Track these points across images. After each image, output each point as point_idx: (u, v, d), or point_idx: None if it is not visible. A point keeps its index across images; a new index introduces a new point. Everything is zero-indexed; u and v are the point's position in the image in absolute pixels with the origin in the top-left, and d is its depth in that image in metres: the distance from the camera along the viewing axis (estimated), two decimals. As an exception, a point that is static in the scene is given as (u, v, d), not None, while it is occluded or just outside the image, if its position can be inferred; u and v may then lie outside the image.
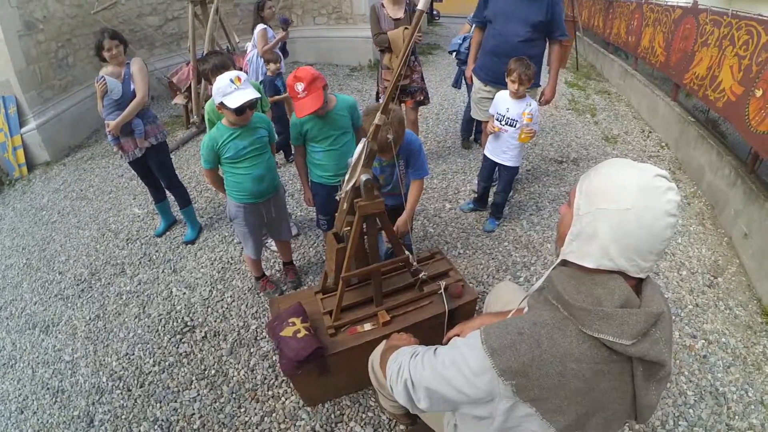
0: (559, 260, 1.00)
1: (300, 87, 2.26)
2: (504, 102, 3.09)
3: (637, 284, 0.94)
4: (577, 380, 0.89)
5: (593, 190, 0.92)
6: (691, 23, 4.74)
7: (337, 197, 1.88)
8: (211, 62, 2.75)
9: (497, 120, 3.12)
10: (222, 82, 2.18)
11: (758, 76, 3.29)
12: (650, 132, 5.34)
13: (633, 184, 0.87)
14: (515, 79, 2.93)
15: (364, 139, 1.64)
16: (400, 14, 3.62)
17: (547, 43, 3.32)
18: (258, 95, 2.26)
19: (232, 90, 2.16)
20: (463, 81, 4.54)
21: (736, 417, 2.10)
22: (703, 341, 2.48)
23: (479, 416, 1.03)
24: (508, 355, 0.91)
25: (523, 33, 3.15)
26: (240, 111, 2.20)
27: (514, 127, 3.05)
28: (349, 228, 1.82)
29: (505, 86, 3.14)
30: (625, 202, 0.86)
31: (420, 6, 1.44)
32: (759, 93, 3.23)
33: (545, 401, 0.90)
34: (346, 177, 1.64)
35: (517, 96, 3.02)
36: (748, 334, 2.54)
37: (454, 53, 4.51)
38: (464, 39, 4.27)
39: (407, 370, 1.16)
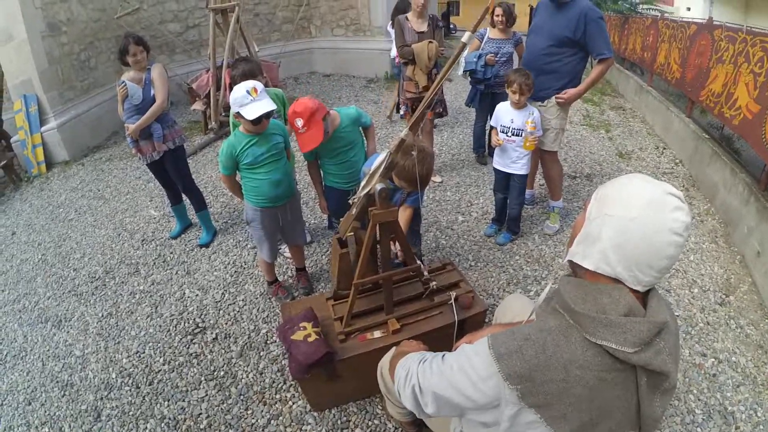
0: (565, 260, 1.03)
1: (300, 123, 2.31)
2: (507, 114, 3.13)
3: (644, 296, 0.96)
4: (581, 387, 0.90)
5: (606, 197, 0.95)
6: (706, 39, 4.73)
7: (350, 201, 1.92)
8: (240, 68, 2.79)
9: (502, 132, 3.16)
10: (239, 92, 2.21)
11: (774, 94, 3.28)
12: (664, 148, 5.32)
13: (643, 195, 0.89)
14: (516, 89, 2.97)
15: (386, 151, 1.68)
16: (424, 27, 3.72)
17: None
18: (274, 106, 2.30)
19: (248, 101, 2.21)
20: (477, 99, 4.52)
21: (745, 438, 2.07)
22: (713, 360, 2.46)
23: (485, 423, 1.05)
24: (514, 359, 0.93)
25: (545, 45, 3.11)
26: (256, 122, 2.25)
27: (521, 136, 3.08)
28: (352, 234, 1.84)
29: (534, 100, 3.19)
30: (632, 211, 0.88)
31: (464, 39, 1.52)
32: (775, 111, 3.21)
33: (550, 408, 0.92)
34: (363, 183, 1.67)
35: (519, 106, 3.06)
36: (759, 354, 2.50)
37: (468, 72, 4.35)
38: (479, 57, 4.21)
39: (415, 375, 1.18)
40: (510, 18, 4.15)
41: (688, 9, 15.90)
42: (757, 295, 2.93)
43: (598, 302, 0.92)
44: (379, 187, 1.62)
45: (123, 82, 2.98)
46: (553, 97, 3.18)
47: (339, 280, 1.99)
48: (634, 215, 0.88)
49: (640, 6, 10.14)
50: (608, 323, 0.88)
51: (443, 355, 1.17)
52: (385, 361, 1.73)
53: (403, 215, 2.45)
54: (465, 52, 4.11)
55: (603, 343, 0.88)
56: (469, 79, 4.51)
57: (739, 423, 2.13)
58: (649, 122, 6.24)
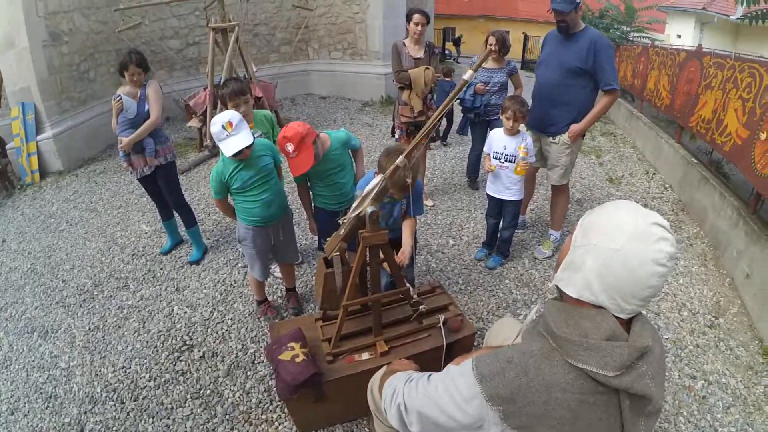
0: (552, 285, 1.04)
1: (290, 147, 2.31)
2: (500, 140, 3.16)
3: (628, 320, 0.96)
4: (563, 409, 0.90)
5: (591, 225, 0.96)
6: (695, 66, 4.85)
7: (339, 221, 1.93)
8: (230, 87, 2.82)
9: (495, 158, 3.19)
10: (215, 127, 2.21)
11: (762, 118, 3.34)
12: (654, 173, 5.39)
13: (628, 226, 0.90)
14: (510, 116, 3.02)
15: (381, 175, 1.71)
16: (420, 54, 3.79)
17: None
18: (251, 140, 2.26)
19: (224, 137, 2.21)
20: (469, 127, 4.53)
21: (735, 461, 2.06)
22: (703, 382, 2.46)
23: None
24: (497, 381, 0.95)
25: (557, 78, 3.05)
26: (235, 155, 2.25)
27: (513, 162, 3.11)
28: (338, 254, 1.84)
29: (544, 134, 3.22)
30: (616, 242, 0.89)
31: (465, 77, 1.60)
32: (764, 136, 3.27)
33: (532, 429, 0.92)
34: (354, 204, 1.68)
35: (512, 133, 3.10)
36: (749, 375, 2.51)
37: (459, 101, 4.35)
38: (468, 86, 4.12)
39: (401, 394, 1.19)
40: (504, 46, 4.09)
41: (679, 36, 16.28)
42: (746, 317, 2.95)
43: (580, 326, 0.93)
44: (370, 210, 1.63)
45: (119, 96, 3.01)
46: (565, 134, 3.14)
47: (323, 299, 1.97)
48: (619, 246, 0.89)
49: (632, 34, 10.37)
50: (589, 347, 0.89)
51: (429, 376, 1.18)
52: (375, 379, 1.73)
53: (408, 226, 2.45)
54: (470, 88, 4.15)
55: (584, 367, 0.89)
56: (460, 107, 4.53)
57: (729, 446, 2.12)
58: (639, 148, 6.34)
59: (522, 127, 3.19)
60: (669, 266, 0.89)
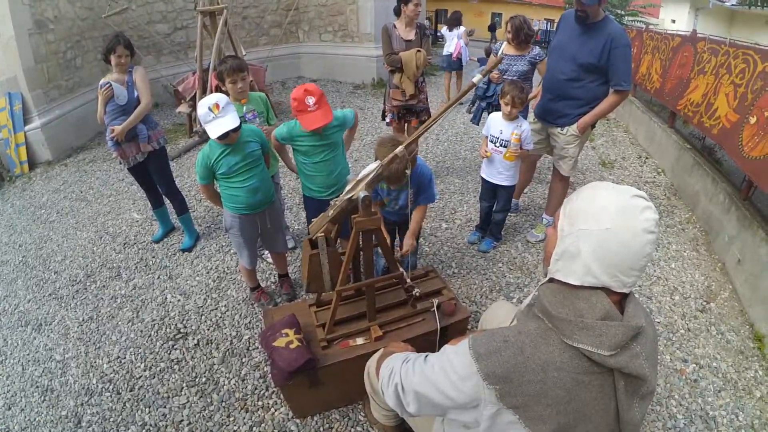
0: (546, 279, 1.05)
1: (311, 101, 2.32)
2: (497, 124, 3.15)
3: (621, 301, 0.99)
4: (558, 389, 0.92)
5: (575, 212, 0.98)
6: (689, 51, 4.84)
7: (331, 202, 1.90)
8: (228, 63, 2.76)
9: (491, 142, 3.18)
10: (202, 109, 2.19)
11: (753, 103, 3.36)
12: (647, 158, 5.41)
13: (612, 205, 0.93)
14: (508, 101, 3.00)
15: (378, 162, 1.70)
16: (412, 36, 3.72)
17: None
18: (237, 122, 2.24)
19: (211, 119, 2.19)
20: (479, 116, 4.32)
21: (726, 442, 2.10)
22: (695, 365, 2.49)
23: (466, 423, 1.07)
24: (493, 360, 0.96)
25: (568, 71, 2.95)
26: (222, 137, 2.23)
27: (507, 147, 3.10)
28: (323, 235, 1.83)
29: (552, 124, 3.20)
30: (605, 223, 0.92)
31: (474, 80, 1.63)
32: (753, 120, 3.29)
33: (528, 408, 0.94)
34: (348, 188, 1.67)
35: (510, 118, 3.08)
36: (740, 359, 2.55)
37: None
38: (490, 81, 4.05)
39: (398, 374, 1.20)
40: (518, 34, 3.71)
41: (673, 21, 16.25)
42: (737, 302, 2.99)
43: (575, 307, 0.95)
44: (362, 194, 1.62)
45: (108, 83, 2.95)
46: (575, 125, 3.08)
47: (309, 281, 1.95)
48: (609, 225, 0.91)
49: (626, 18, 10.32)
50: (584, 326, 0.91)
51: (426, 356, 1.19)
52: (372, 362, 1.75)
53: (417, 214, 2.48)
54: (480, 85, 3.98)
55: (579, 346, 0.91)
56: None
57: (721, 428, 2.16)
58: (632, 132, 6.35)
59: (530, 117, 3.12)
60: (657, 231, 0.93)
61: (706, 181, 3.95)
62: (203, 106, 2.19)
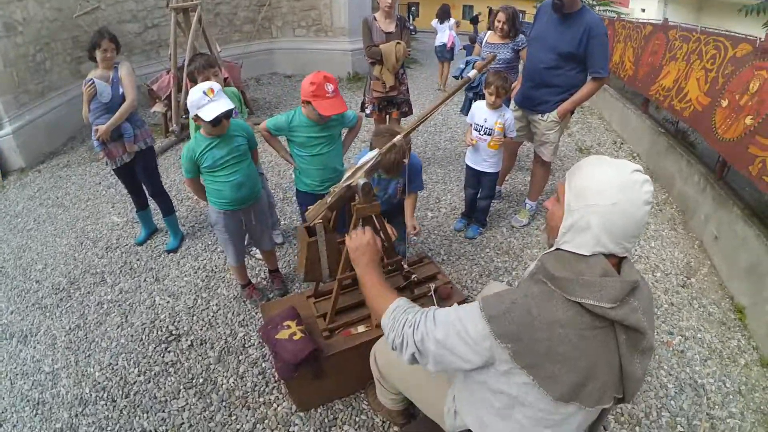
0: (553, 249, 1.11)
1: (330, 88, 2.35)
2: (481, 113, 3.20)
3: (617, 264, 1.06)
4: (565, 345, 0.98)
5: (581, 188, 1.05)
6: (661, 39, 4.99)
7: (330, 190, 1.90)
8: (197, 61, 2.73)
9: (476, 130, 3.24)
10: (195, 95, 2.17)
11: (724, 87, 3.49)
12: (622, 143, 5.56)
13: (615, 180, 1.01)
14: (492, 91, 3.05)
15: (377, 150, 1.71)
16: (392, 28, 3.73)
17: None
18: (232, 105, 2.25)
19: (206, 102, 2.17)
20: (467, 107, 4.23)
21: (716, 407, 2.21)
22: (680, 337, 2.60)
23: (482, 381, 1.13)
24: (504, 319, 1.02)
25: (547, 60, 3.03)
26: (215, 122, 2.21)
27: (491, 135, 3.16)
28: (320, 222, 1.83)
29: (532, 111, 3.26)
30: (611, 198, 1.00)
31: (470, 75, 1.75)
32: (725, 103, 3.43)
33: (539, 368, 1.00)
34: (346, 175, 1.67)
35: (494, 107, 3.14)
36: (723, 330, 2.67)
37: (457, 78, 4.27)
38: (467, 63, 4.11)
39: (412, 344, 1.16)
40: (513, 26, 3.85)
41: (643, 10, 16.66)
42: (716, 276, 3.12)
43: (575, 268, 1.03)
44: (362, 181, 1.62)
45: (91, 80, 2.85)
46: (555, 111, 3.15)
47: (307, 271, 1.93)
48: (615, 200, 0.99)
49: (596, 8, 10.54)
50: (585, 283, 0.98)
51: (433, 316, 1.16)
52: (379, 346, 1.76)
53: (409, 202, 2.60)
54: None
55: (582, 301, 0.97)
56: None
57: (710, 394, 2.27)
58: (606, 118, 6.51)
59: (512, 105, 3.19)
60: (653, 201, 1.05)
61: (681, 163, 4.09)
62: (197, 91, 2.17)
